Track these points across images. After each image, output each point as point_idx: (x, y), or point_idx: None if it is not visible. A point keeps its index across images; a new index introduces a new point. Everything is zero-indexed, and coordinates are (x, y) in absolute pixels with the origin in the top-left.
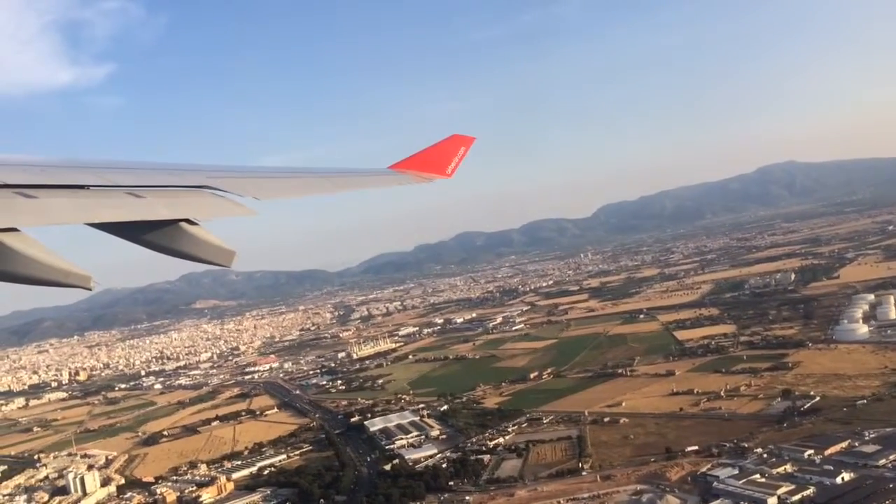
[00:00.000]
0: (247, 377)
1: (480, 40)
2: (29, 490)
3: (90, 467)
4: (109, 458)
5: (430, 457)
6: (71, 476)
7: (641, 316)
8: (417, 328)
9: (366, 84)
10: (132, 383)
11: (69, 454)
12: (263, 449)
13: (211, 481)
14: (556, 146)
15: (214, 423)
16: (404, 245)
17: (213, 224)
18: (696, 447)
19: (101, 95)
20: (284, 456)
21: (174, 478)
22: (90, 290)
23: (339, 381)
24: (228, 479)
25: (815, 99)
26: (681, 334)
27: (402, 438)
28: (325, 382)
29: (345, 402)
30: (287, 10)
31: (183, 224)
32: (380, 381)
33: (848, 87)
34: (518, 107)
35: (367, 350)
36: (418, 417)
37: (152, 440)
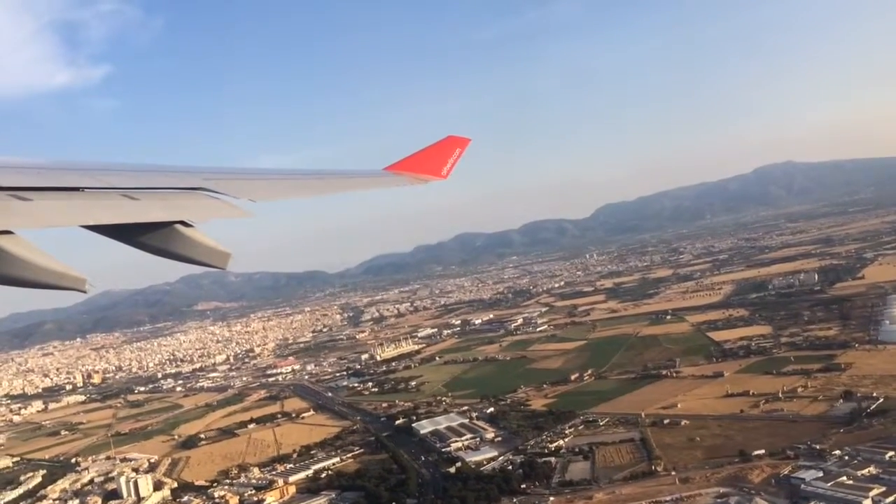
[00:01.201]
0: (270, 379)
1: (477, 40)
2: (79, 494)
3: (135, 470)
4: (152, 461)
5: (492, 459)
6: (123, 480)
7: (668, 317)
8: (436, 329)
9: (362, 85)
10: (150, 386)
11: (107, 457)
12: (312, 452)
13: (269, 484)
14: (554, 146)
15: (251, 426)
16: (403, 246)
17: (210, 226)
18: (768, 450)
19: (98, 97)
20: (337, 459)
21: (227, 481)
22: (85, 292)
23: (370, 383)
24: (286, 482)
25: (812, 99)
26: (716, 335)
27: (456, 441)
28: (356, 385)
29: (384, 405)
30: (283, 12)
31: (178, 226)
32: (412, 383)
33: (845, 87)
34: (515, 107)
35: (390, 352)
36: (467, 420)
37: (190, 443)
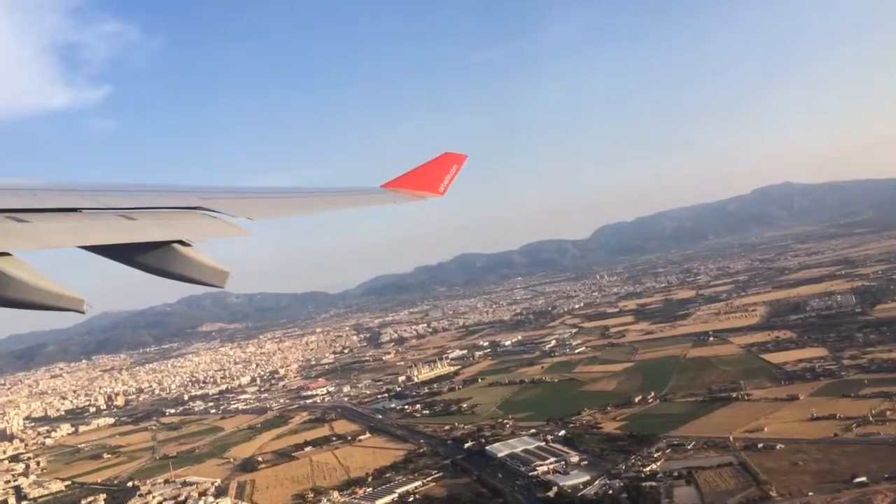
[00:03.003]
0: (307, 401)
1: (476, 62)
2: None
3: (202, 494)
4: (216, 484)
5: (587, 483)
6: None
7: (710, 339)
8: (465, 351)
9: (359, 104)
10: (180, 408)
11: (166, 481)
12: (386, 475)
13: None
14: (551, 167)
15: (307, 449)
16: (402, 267)
17: (208, 248)
18: (882, 474)
19: (97, 118)
20: (419, 483)
21: None
22: (83, 313)
23: (418, 405)
24: None
25: (809, 120)
26: (770, 358)
27: (540, 464)
28: (402, 407)
29: (446, 427)
30: (282, 33)
31: (176, 245)
32: (464, 406)
33: (842, 109)
34: (511, 127)
35: (427, 373)
36: (543, 442)
37: (249, 466)
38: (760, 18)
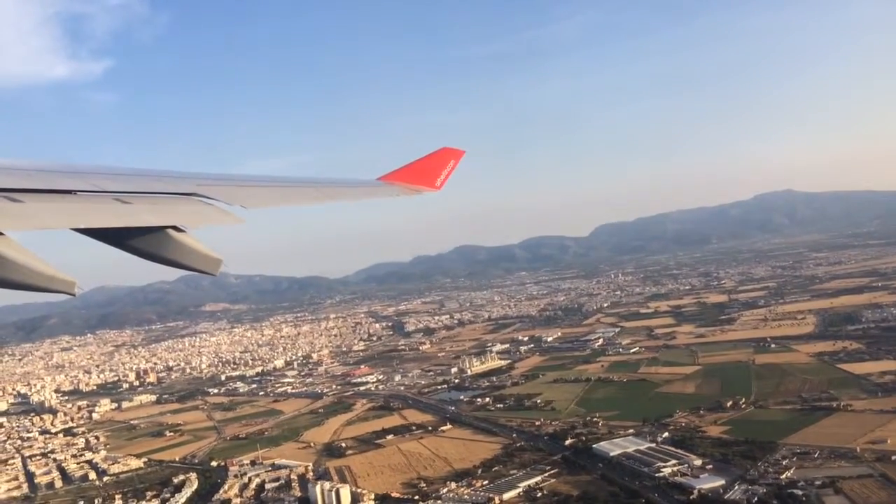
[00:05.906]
0: (360, 388)
1: (478, 55)
2: (266, 501)
3: (301, 477)
4: (311, 469)
5: (725, 488)
6: (317, 489)
7: (772, 346)
8: (507, 345)
9: (358, 92)
10: (222, 389)
11: (252, 462)
12: (494, 468)
13: (488, 502)
14: (550, 164)
15: (390, 437)
16: (400, 255)
17: (202, 230)
18: None
19: (96, 91)
20: (539, 478)
21: (434, 496)
22: (74, 295)
23: (488, 399)
24: (502, 500)
25: (812, 128)
26: (850, 368)
27: (665, 466)
28: (470, 399)
29: (537, 423)
30: (287, 16)
31: (170, 231)
32: (537, 401)
33: (846, 119)
34: (513, 122)
35: (479, 366)
36: (654, 444)
37: (336, 452)
38: (767, 25)
